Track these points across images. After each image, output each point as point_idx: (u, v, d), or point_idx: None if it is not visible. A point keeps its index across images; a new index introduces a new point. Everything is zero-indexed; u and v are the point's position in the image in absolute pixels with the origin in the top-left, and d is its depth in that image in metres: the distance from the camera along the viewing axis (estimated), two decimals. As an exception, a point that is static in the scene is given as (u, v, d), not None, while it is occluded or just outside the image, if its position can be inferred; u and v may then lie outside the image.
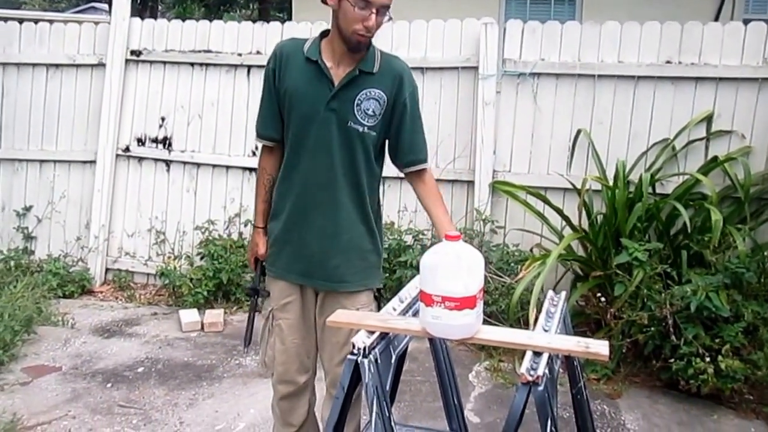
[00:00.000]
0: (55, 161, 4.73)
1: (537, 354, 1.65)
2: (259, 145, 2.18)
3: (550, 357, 1.65)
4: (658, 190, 3.80)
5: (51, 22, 5.02)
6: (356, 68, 1.97)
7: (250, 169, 4.39)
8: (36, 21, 4.96)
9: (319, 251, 2.06)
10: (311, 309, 2.16)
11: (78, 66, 4.69)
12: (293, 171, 2.06)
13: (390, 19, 1.94)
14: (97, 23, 4.93)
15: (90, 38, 4.69)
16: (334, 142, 1.99)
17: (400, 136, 2.07)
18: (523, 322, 3.49)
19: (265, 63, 2.11)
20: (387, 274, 3.98)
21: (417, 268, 3.76)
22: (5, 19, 5.00)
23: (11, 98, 4.76)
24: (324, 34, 2.04)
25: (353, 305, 2.09)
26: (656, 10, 5.18)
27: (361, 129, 2.00)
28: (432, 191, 2.18)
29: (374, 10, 1.85)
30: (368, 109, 1.99)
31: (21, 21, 4.98)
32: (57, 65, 4.71)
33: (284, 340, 2.15)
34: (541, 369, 1.56)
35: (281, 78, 2.03)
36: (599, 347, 1.64)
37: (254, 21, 4.74)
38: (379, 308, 2.17)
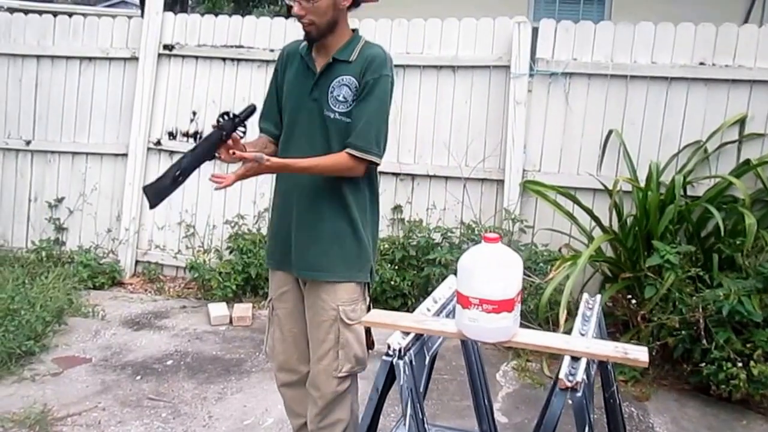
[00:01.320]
0: (87, 153, 4.79)
1: (574, 359, 1.64)
2: None
3: (587, 362, 1.65)
4: (689, 193, 3.76)
5: (84, 15, 5.08)
6: (331, 57, 2.02)
7: (280, 165, 4.43)
8: (70, 14, 5.02)
9: (301, 241, 2.09)
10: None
11: (111, 59, 4.74)
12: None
13: (321, 7, 1.94)
14: (130, 17, 4.97)
15: (123, 32, 4.74)
16: (314, 132, 2.04)
17: (350, 115, 2.02)
18: (552, 323, 3.48)
19: None
20: (415, 272, 4.00)
21: (445, 266, 3.81)
22: (40, 13, 5.08)
23: (45, 90, 4.83)
24: None
25: (335, 294, 2.07)
26: (686, 10, 5.11)
27: (332, 116, 2.02)
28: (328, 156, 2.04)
29: (293, 2, 1.94)
30: (339, 96, 2.01)
31: (55, 14, 5.05)
32: (90, 58, 4.77)
33: (282, 329, 2.20)
34: (580, 375, 1.56)
35: (282, 77, 2.14)
36: (638, 353, 1.63)
37: (285, 17, 4.76)
38: (368, 305, 2.16)
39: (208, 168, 4.77)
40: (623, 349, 1.66)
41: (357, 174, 2.04)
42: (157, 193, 2.03)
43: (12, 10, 6.21)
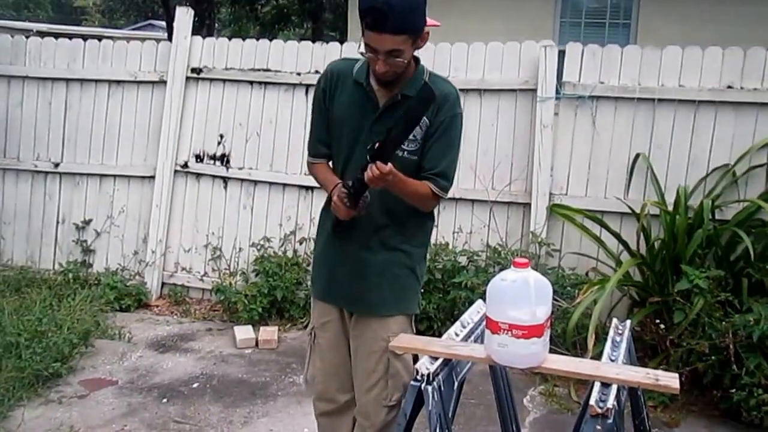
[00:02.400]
0: (114, 176, 4.91)
1: (605, 385, 1.67)
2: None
3: (618, 388, 1.67)
4: (717, 216, 3.77)
5: (113, 39, 5.23)
6: (398, 93, 1.98)
7: (307, 188, 4.52)
8: (100, 38, 5.17)
9: (351, 275, 2.09)
10: (349, 329, 2.19)
11: (139, 83, 4.87)
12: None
13: (414, 49, 1.91)
14: (158, 41, 5.12)
15: (152, 56, 4.86)
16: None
17: (426, 154, 2.01)
18: (579, 347, 3.50)
19: None
20: (440, 295, 4.04)
21: (471, 290, 3.86)
22: (70, 37, 5.24)
23: (74, 113, 4.96)
24: None
25: (384, 331, 2.07)
26: (712, 33, 5.14)
27: (401, 154, 1.97)
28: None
29: (380, 57, 1.86)
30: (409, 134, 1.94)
31: (85, 38, 5.20)
32: (119, 81, 4.89)
33: (323, 359, 2.21)
34: (611, 401, 1.58)
35: (331, 98, 2.07)
36: (669, 380, 1.65)
37: (312, 41, 4.87)
38: (422, 333, 2.18)
39: (236, 190, 4.90)
40: (654, 375, 1.68)
41: (428, 209, 2.07)
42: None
43: (42, 34, 6.42)
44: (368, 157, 1.83)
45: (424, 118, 1.95)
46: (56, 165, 4.97)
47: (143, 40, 5.28)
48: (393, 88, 1.99)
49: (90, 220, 4.92)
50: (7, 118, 5.02)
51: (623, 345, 1.92)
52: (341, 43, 4.68)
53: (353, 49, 4.47)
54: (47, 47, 5.01)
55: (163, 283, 4.82)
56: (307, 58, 4.59)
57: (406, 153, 1.99)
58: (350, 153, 2.06)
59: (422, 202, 2.04)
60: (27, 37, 5.21)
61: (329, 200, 2.10)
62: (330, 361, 2.20)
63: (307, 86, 4.54)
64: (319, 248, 2.22)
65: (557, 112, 4.12)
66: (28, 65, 5.00)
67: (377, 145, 1.82)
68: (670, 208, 3.67)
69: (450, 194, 4.48)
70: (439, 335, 3.67)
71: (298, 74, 4.58)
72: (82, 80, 4.95)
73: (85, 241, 4.91)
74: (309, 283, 2.31)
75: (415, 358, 2.14)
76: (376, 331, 2.09)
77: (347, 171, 2.06)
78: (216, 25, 14.00)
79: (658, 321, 3.41)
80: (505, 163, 4.25)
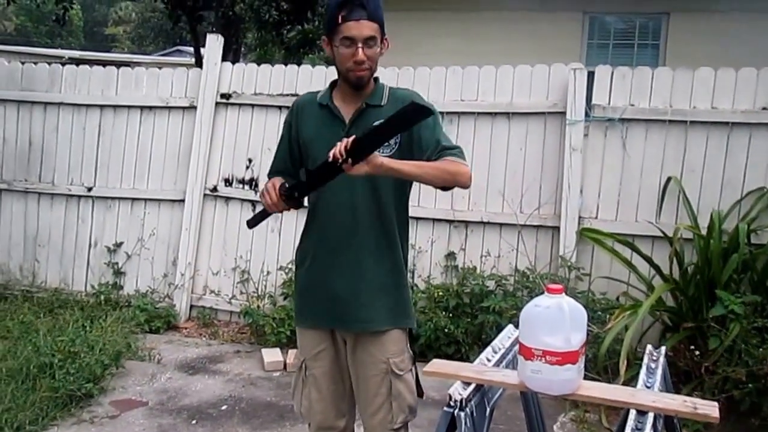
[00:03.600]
0: (145, 199, 4.99)
1: (641, 413, 1.64)
2: None
3: (654, 416, 1.65)
4: (753, 241, 3.69)
5: (147, 66, 5.36)
6: (362, 102, 2.05)
7: (333, 211, 4.55)
8: (129, 64, 5.30)
9: (347, 293, 2.08)
10: (343, 354, 2.17)
11: (170, 108, 4.97)
12: (314, 216, 2.13)
13: (383, 47, 1.99)
14: (189, 66, 5.23)
15: (182, 82, 4.97)
16: (356, 179, 1.94)
17: (419, 144, 2.02)
18: (611, 372, 3.44)
19: None
20: (468, 319, 4.02)
21: (499, 314, 3.83)
22: (104, 64, 5.38)
23: (107, 138, 5.07)
24: (334, 83, 2.13)
25: (383, 346, 2.08)
26: (745, 53, 5.09)
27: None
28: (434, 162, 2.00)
29: (359, 45, 1.93)
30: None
31: (117, 65, 5.34)
32: (151, 107, 5.00)
33: (320, 389, 2.17)
34: (648, 430, 1.56)
35: (298, 128, 2.13)
36: (708, 409, 1.62)
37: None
38: (412, 350, 2.18)
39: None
40: (692, 403, 1.65)
41: (466, 182, 2.01)
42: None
43: (75, 61, 6.59)
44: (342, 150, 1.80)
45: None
46: (89, 189, 5.07)
47: (174, 66, 5.40)
48: (356, 102, 2.06)
49: (121, 243, 5.01)
50: (43, 144, 5.17)
51: (659, 371, 1.89)
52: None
53: (380, 74, 4.51)
54: (82, 75, 5.14)
55: (192, 306, 4.86)
56: (334, 82, 4.64)
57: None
58: None
59: (455, 176, 1.98)
60: (63, 65, 5.36)
61: (306, 229, 2.15)
62: (327, 389, 2.17)
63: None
64: (306, 277, 2.17)
65: (587, 135, 4.10)
66: (64, 92, 5.14)
67: (353, 138, 1.80)
68: (704, 232, 3.62)
69: (478, 218, 4.50)
70: (467, 359, 3.68)
71: (326, 99, 4.62)
72: (115, 106, 5.06)
73: (117, 263, 4.99)
74: (294, 316, 2.27)
75: (417, 380, 2.16)
76: (374, 354, 2.08)
77: (321, 194, 2.07)
78: (242, 49, 14.26)
79: (692, 347, 3.34)
80: (534, 186, 4.24)
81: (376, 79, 2.11)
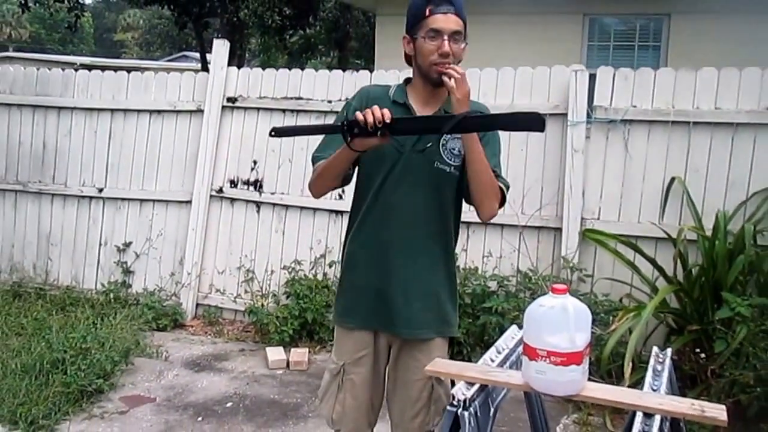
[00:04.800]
0: (153, 200, 4.96)
1: (647, 415, 1.57)
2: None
3: (661, 419, 1.57)
4: (759, 242, 3.60)
5: (156, 71, 5.34)
6: (441, 108, 1.96)
7: (337, 212, 4.49)
8: (137, 69, 5.29)
9: (401, 297, 2.00)
10: (383, 362, 2.09)
11: (178, 112, 4.94)
12: (369, 215, 2.02)
13: (466, 45, 1.92)
14: (197, 71, 5.20)
15: (190, 86, 4.94)
16: (420, 183, 1.94)
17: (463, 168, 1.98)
18: (614, 375, 3.36)
19: None
20: (470, 320, 3.94)
21: (501, 315, 3.75)
22: (115, 69, 5.37)
23: (117, 142, 5.06)
24: (407, 81, 2.04)
25: (430, 354, 2.00)
26: (747, 53, 5.01)
27: (448, 169, 1.96)
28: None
29: (446, 37, 1.87)
30: (454, 149, 1.95)
31: (129, 71, 5.33)
32: (159, 111, 4.98)
33: (356, 396, 2.07)
34: (655, 432, 1.49)
35: None
36: (716, 412, 1.55)
37: (342, 69, 4.89)
38: (452, 357, 2.11)
39: (268, 214, 4.92)
40: (700, 406, 1.57)
41: (494, 207, 1.97)
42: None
43: (86, 67, 6.59)
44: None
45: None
46: (100, 190, 5.06)
47: (181, 71, 5.38)
48: (433, 105, 1.97)
49: (130, 243, 4.98)
50: (56, 147, 5.18)
51: (665, 374, 1.81)
52: (370, 71, 4.68)
53: (383, 76, 4.45)
54: (94, 80, 5.14)
55: (198, 304, 4.82)
56: (337, 86, 4.59)
57: (452, 168, 1.96)
58: (389, 172, 1.97)
59: (495, 199, 1.95)
60: (75, 70, 5.35)
61: (360, 227, 2.03)
62: (363, 397, 2.08)
63: (338, 114, 4.53)
64: (356, 276, 2.07)
65: (588, 136, 4.02)
66: (77, 97, 5.13)
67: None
68: (708, 233, 3.53)
69: (479, 219, 4.41)
70: (469, 360, 3.61)
71: (329, 102, 4.58)
72: (125, 110, 5.05)
73: (126, 262, 4.97)
74: (334, 315, 2.17)
75: (452, 382, 2.09)
76: (420, 360, 1.99)
77: (380, 192, 1.98)
78: (246, 54, 14.30)
79: (697, 350, 3.24)
80: (536, 187, 4.15)
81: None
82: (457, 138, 1.94)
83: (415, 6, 1.92)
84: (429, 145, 1.94)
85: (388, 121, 1.73)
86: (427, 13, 1.88)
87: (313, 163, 2.04)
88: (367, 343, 2.06)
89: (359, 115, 1.75)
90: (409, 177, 1.94)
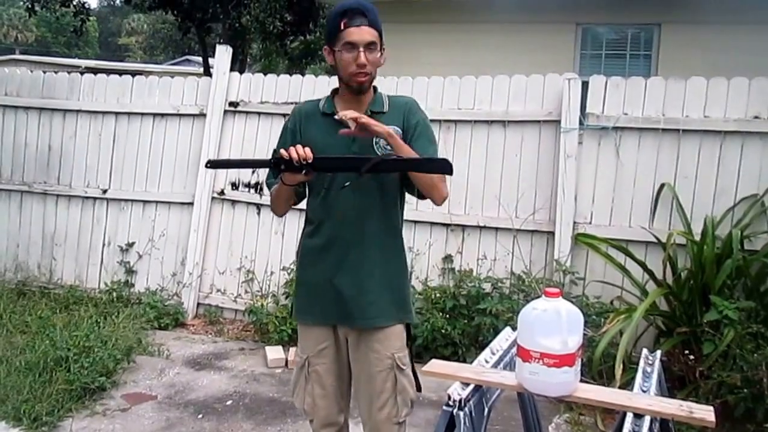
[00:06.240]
0: (156, 202, 4.96)
1: (637, 416, 1.58)
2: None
3: (650, 420, 1.58)
4: (746, 247, 3.61)
5: (160, 75, 5.33)
6: (367, 110, 2.03)
7: (336, 214, 4.49)
8: (141, 73, 5.29)
9: (356, 291, 2.04)
10: (344, 351, 2.14)
11: (181, 115, 4.94)
12: (319, 214, 2.07)
13: (382, 52, 1.99)
14: (199, 75, 5.20)
15: (193, 90, 4.94)
16: (363, 181, 1.98)
17: (417, 151, 2.02)
18: (605, 376, 3.36)
19: None
20: (465, 321, 3.94)
21: (495, 316, 3.76)
22: (120, 73, 5.37)
23: (121, 144, 5.05)
24: (335, 91, 2.10)
25: (388, 341, 2.06)
26: (736, 62, 5.02)
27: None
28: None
29: (361, 49, 1.94)
30: (387, 145, 1.98)
31: (133, 74, 5.33)
32: (162, 114, 4.98)
33: (324, 385, 2.13)
34: (645, 433, 1.49)
35: (302, 135, 2.06)
36: (704, 413, 1.57)
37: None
38: (409, 344, 2.13)
39: (268, 216, 4.91)
40: (688, 408, 1.58)
41: (443, 193, 2.02)
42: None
43: (91, 70, 6.56)
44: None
45: (396, 127, 2.01)
46: (104, 191, 5.05)
47: (185, 75, 5.37)
48: (359, 109, 2.01)
49: (133, 243, 4.97)
50: (61, 149, 5.17)
51: (654, 375, 1.82)
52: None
53: (381, 83, 4.43)
54: (99, 83, 5.13)
55: (199, 304, 4.82)
56: (338, 91, 4.59)
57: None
58: (332, 180, 2.04)
59: (436, 184, 2.00)
60: (81, 74, 5.36)
61: (312, 232, 2.09)
62: (330, 385, 2.14)
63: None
64: (310, 274, 2.11)
65: (581, 143, 4.03)
66: (82, 100, 5.12)
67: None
68: (697, 238, 3.54)
69: (474, 222, 4.44)
70: (464, 360, 3.61)
71: (329, 106, 4.58)
72: (129, 113, 5.04)
73: (128, 262, 4.96)
74: (294, 312, 2.20)
75: (414, 372, 2.12)
76: (379, 350, 2.05)
77: (328, 196, 2.04)
78: (248, 59, 14.28)
79: (686, 352, 3.25)
80: (529, 192, 4.16)
81: (375, 88, 2.10)
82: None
83: (331, 20, 1.99)
84: (347, 184, 1.99)
85: (309, 160, 1.85)
86: (342, 26, 1.94)
87: (268, 188, 2.13)
88: (327, 335, 2.12)
89: (284, 153, 1.86)
90: (350, 178, 1.99)
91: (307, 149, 1.85)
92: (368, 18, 1.95)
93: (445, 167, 1.89)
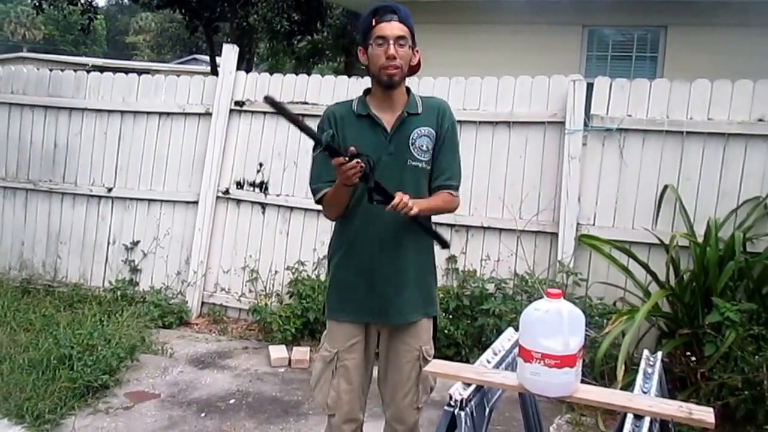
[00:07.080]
0: (161, 201, 4.97)
1: (637, 417, 1.59)
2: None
3: (651, 421, 1.59)
4: (748, 249, 3.61)
5: (166, 74, 5.35)
6: (404, 111, 2.11)
7: (340, 214, 4.51)
8: (148, 71, 5.31)
9: (390, 289, 2.12)
10: (372, 347, 2.21)
11: (187, 114, 4.95)
12: (355, 214, 2.12)
13: (416, 50, 2.09)
14: (206, 74, 5.21)
15: (199, 89, 4.95)
16: (401, 182, 2.06)
17: (436, 162, 2.16)
18: (607, 377, 3.37)
19: None
20: (468, 321, 3.95)
21: (499, 317, 3.76)
22: (126, 72, 5.38)
23: (126, 143, 5.06)
24: (366, 92, 2.17)
25: (418, 335, 2.17)
26: (742, 65, 5.02)
27: (420, 165, 2.11)
28: (439, 196, 2.16)
29: (391, 42, 2.02)
30: (422, 146, 2.10)
31: (139, 73, 5.34)
32: (168, 113, 4.99)
33: (351, 380, 2.17)
34: (645, 434, 1.50)
35: (341, 137, 2.10)
36: (703, 414, 1.57)
37: (347, 75, 4.90)
38: (434, 335, 2.25)
39: (273, 215, 4.92)
40: (688, 409, 1.59)
41: (453, 210, 2.22)
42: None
43: (98, 68, 6.59)
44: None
45: (431, 129, 2.13)
46: (109, 190, 5.07)
47: (191, 74, 5.38)
48: (393, 110, 2.11)
49: (138, 242, 4.99)
50: (67, 147, 5.18)
51: (655, 377, 1.83)
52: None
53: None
54: (105, 82, 5.14)
55: (203, 303, 4.83)
56: (342, 91, 4.60)
57: (423, 164, 2.12)
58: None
59: (454, 208, 2.22)
60: (87, 72, 5.35)
61: (345, 230, 2.16)
62: (357, 381, 2.19)
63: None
64: (346, 272, 2.17)
65: (585, 144, 4.03)
66: (88, 98, 5.14)
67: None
68: (699, 240, 3.54)
69: (478, 223, 4.45)
70: (467, 361, 3.61)
71: (335, 106, 4.59)
72: (135, 112, 5.05)
73: (133, 261, 4.98)
74: (327, 311, 2.24)
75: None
76: (410, 343, 2.16)
77: (365, 197, 2.05)
78: (255, 58, 14.30)
79: (688, 353, 3.26)
80: (533, 193, 4.17)
81: (409, 90, 2.16)
82: (424, 136, 2.11)
83: (364, 20, 2.09)
84: (395, 147, 2.10)
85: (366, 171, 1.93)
86: (374, 23, 2.04)
87: (314, 194, 2.17)
88: (358, 331, 2.18)
89: (353, 149, 1.89)
90: (387, 176, 2.04)
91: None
92: (398, 15, 2.05)
93: (443, 244, 2.18)
